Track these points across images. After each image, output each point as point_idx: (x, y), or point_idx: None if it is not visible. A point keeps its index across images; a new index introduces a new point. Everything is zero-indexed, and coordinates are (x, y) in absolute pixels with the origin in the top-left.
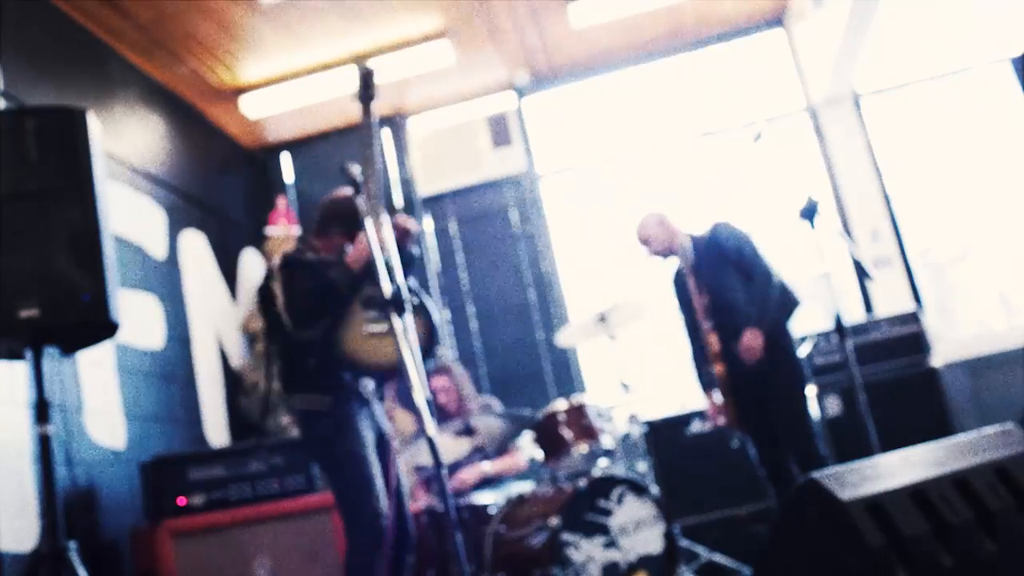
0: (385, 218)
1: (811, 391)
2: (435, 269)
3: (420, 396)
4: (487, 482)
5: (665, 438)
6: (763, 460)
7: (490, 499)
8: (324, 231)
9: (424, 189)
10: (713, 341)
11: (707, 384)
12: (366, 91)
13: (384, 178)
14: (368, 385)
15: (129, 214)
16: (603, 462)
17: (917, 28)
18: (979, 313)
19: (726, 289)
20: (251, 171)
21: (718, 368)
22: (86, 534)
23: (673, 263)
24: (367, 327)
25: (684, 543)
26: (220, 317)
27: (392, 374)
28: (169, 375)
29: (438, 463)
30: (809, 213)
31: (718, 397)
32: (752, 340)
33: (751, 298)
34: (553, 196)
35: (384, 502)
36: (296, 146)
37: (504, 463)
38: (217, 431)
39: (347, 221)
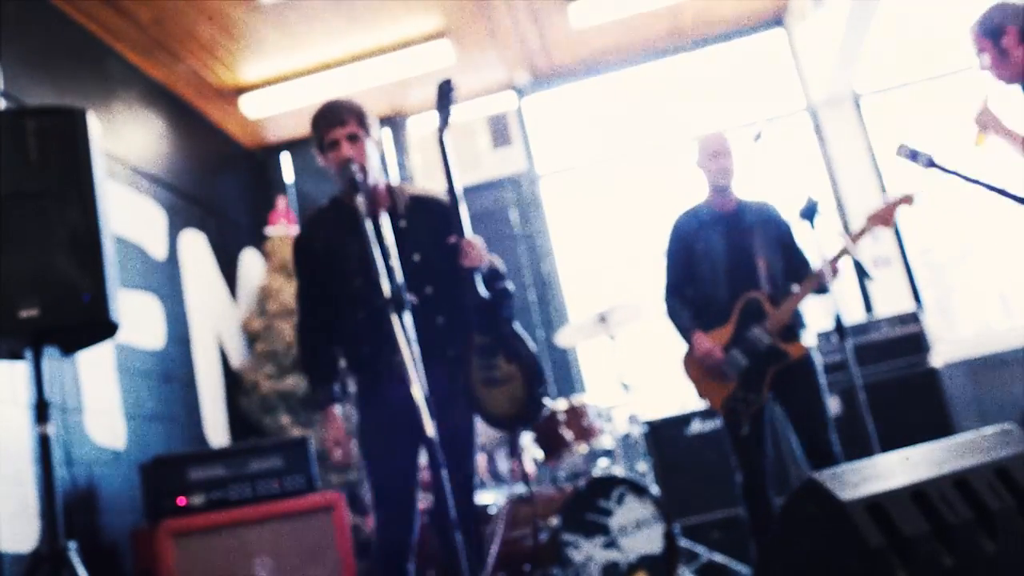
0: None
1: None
2: None
3: (419, 395)
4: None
5: (665, 438)
6: (744, 466)
7: (490, 499)
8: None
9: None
10: (776, 313)
11: (687, 329)
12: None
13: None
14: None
15: (129, 214)
16: (603, 462)
17: (917, 28)
18: (979, 313)
19: (773, 267)
20: (251, 171)
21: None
22: (86, 534)
23: (707, 199)
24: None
25: (684, 543)
26: (220, 317)
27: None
28: (169, 375)
29: (438, 463)
30: (809, 213)
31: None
32: None
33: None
34: (553, 196)
35: (401, 499)
36: (296, 146)
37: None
38: (217, 431)
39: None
